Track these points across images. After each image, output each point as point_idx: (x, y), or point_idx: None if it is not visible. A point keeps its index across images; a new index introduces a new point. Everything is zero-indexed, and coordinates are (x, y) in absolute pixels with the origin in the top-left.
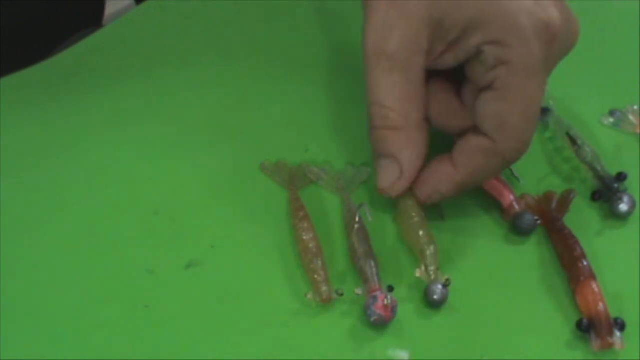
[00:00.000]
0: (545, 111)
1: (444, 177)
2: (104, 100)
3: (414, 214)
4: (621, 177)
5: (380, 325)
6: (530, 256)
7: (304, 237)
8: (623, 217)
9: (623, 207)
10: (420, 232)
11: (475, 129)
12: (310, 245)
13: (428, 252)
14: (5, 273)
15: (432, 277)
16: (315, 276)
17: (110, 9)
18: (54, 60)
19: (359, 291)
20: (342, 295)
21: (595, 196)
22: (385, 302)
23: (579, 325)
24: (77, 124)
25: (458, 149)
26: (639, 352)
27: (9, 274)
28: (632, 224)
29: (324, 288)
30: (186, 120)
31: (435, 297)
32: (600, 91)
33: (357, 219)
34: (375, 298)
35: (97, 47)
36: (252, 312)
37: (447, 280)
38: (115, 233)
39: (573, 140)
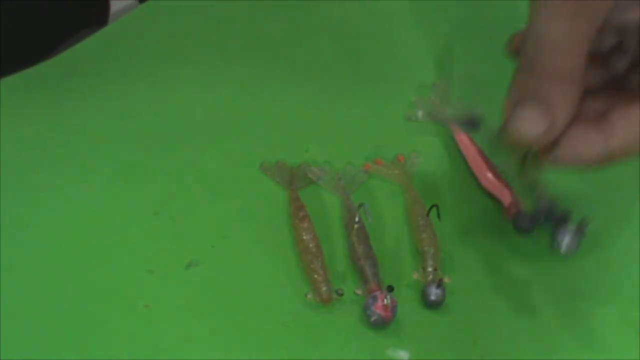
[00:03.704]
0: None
1: (594, 141)
2: (104, 100)
3: (419, 217)
4: (563, 216)
5: (380, 325)
6: (530, 256)
7: (304, 237)
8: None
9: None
10: (423, 234)
11: None
12: (310, 245)
13: (428, 253)
14: (5, 273)
15: (430, 278)
16: (315, 276)
17: (113, 7)
18: (54, 60)
19: (359, 291)
20: (342, 295)
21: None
22: (385, 302)
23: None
24: (77, 124)
25: (617, 113)
26: (639, 352)
27: (9, 274)
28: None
29: (324, 288)
30: (186, 120)
31: (432, 297)
32: None
33: (357, 219)
34: (375, 298)
35: (97, 48)
36: (252, 312)
37: (441, 281)
38: (115, 233)
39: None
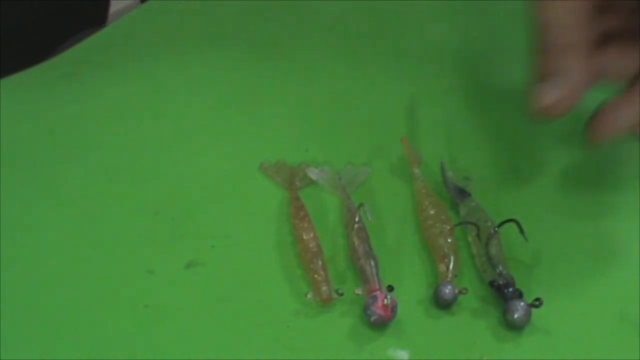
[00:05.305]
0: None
1: (630, 110)
2: (104, 100)
3: (438, 224)
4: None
5: (380, 325)
6: (529, 256)
7: (304, 237)
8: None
9: (514, 316)
10: (449, 239)
11: None
12: (310, 245)
13: (447, 257)
14: (5, 273)
15: (449, 278)
16: (315, 276)
17: (113, 7)
18: (54, 60)
19: (359, 291)
20: (342, 295)
21: (494, 284)
22: (385, 302)
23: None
24: (77, 124)
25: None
26: (639, 352)
27: (9, 274)
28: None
29: (324, 288)
30: (186, 120)
31: (446, 297)
32: (599, 89)
33: (357, 219)
34: (375, 298)
35: (97, 48)
36: (252, 312)
37: (465, 289)
38: (115, 233)
39: (478, 235)
